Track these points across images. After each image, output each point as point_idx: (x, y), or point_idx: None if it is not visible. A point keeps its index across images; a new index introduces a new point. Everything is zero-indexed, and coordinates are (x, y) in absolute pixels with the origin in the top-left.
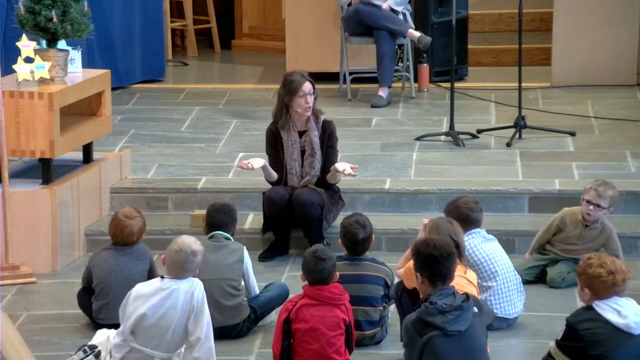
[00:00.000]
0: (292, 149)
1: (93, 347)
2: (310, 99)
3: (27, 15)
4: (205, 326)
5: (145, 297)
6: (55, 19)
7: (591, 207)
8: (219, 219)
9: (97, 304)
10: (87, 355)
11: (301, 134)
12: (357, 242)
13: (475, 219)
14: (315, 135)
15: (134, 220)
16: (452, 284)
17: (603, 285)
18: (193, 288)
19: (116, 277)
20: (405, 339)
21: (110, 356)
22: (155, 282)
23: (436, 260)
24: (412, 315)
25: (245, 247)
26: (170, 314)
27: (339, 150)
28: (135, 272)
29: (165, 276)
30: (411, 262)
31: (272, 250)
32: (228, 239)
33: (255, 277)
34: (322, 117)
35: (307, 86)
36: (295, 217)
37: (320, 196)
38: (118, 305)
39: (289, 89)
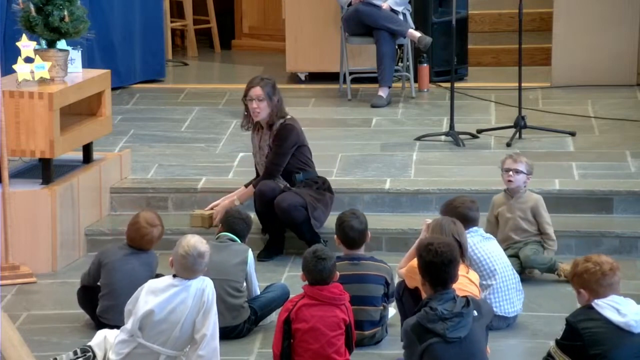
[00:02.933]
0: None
1: (85, 351)
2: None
3: (36, 16)
4: (212, 324)
5: (157, 291)
6: (67, 19)
7: (510, 172)
8: (239, 228)
9: (104, 304)
10: (77, 358)
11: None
12: (352, 230)
13: (473, 218)
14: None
15: (155, 229)
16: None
17: (594, 278)
18: (204, 286)
19: (125, 280)
20: (404, 342)
21: (113, 354)
22: (167, 279)
23: (437, 267)
24: (411, 320)
25: (250, 250)
26: (181, 309)
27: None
28: (142, 278)
29: (176, 275)
30: (413, 262)
31: (269, 249)
32: (233, 240)
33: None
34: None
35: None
36: (283, 223)
37: (301, 197)
38: (124, 308)
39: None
